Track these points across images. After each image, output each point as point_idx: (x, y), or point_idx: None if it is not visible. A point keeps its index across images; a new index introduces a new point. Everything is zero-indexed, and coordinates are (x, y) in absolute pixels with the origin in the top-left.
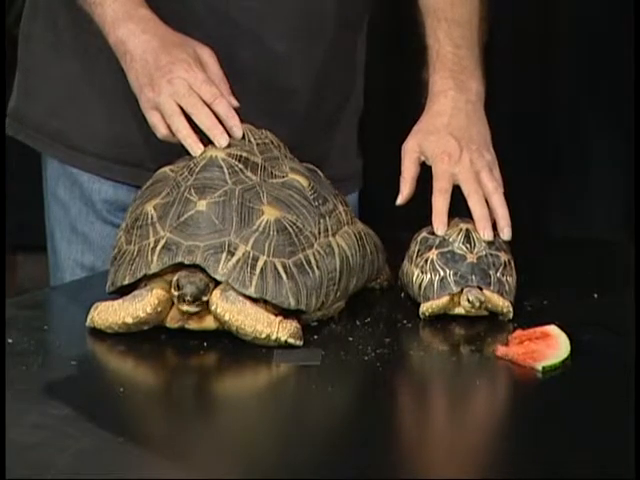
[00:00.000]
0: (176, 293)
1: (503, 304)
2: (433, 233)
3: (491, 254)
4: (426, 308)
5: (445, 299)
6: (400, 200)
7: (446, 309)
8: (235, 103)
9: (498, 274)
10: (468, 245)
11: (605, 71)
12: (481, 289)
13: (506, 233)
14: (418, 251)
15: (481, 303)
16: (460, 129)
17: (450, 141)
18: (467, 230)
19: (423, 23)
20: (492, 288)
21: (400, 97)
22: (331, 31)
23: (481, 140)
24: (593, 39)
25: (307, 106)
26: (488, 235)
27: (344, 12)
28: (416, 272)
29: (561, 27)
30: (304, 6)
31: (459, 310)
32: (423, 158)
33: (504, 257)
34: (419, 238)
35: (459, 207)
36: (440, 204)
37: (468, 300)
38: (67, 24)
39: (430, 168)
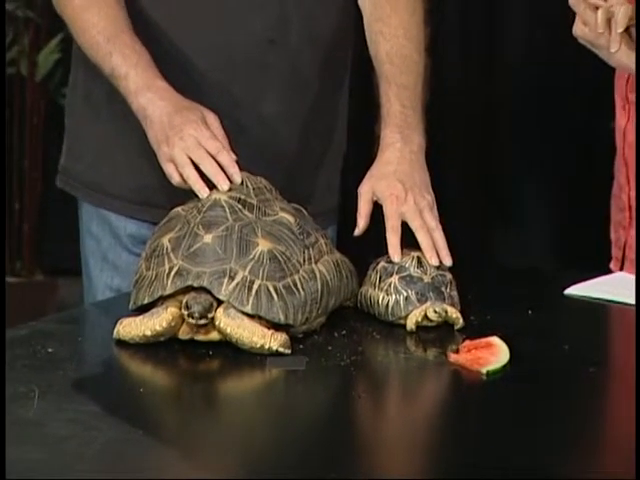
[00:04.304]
0: (186, 312)
1: (455, 314)
2: (390, 262)
3: (440, 274)
4: (412, 320)
5: (419, 310)
6: (357, 232)
7: (418, 319)
8: (234, 156)
9: (448, 290)
10: (422, 269)
11: (541, 132)
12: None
13: (448, 261)
14: (380, 277)
15: (446, 313)
16: (405, 175)
17: (397, 185)
18: (418, 257)
19: (378, 86)
20: (447, 302)
21: (372, 147)
22: (316, 94)
23: (422, 184)
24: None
25: (295, 155)
26: (435, 261)
27: (324, 77)
28: (381, 295)
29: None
30: (293, 76)
31: (426, 322)
32: (375, 198)
33: (449, 276)
34: (378, 267)
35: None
36: (394, 239)
37: (435, 311)
38: (101, 96)
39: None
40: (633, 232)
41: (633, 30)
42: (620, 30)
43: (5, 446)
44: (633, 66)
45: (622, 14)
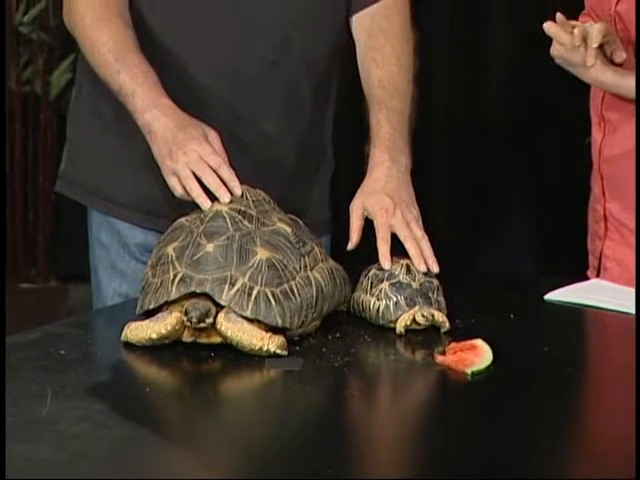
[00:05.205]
0: (185, 317)
1: (442, 318)
2: (380, 269)
3: (428, 281)
4: (401, 324)
5: (408, 315)
6: (350, 246)
7: (407, 323)
8: (232, 171)
9: (435, 295)
10: (410, 275)
11: (524, 142)
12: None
13: (435, 268)
14: (371, 284)
15: (433, 317)
16: (393, 191)
17: (386, 200)
18: (407, 265)
19: (369, 109)
20: (434, 306)
21: (362, 164)
22: (307, 113)
23: (408, 199)
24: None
25: (290, 170)
26: (423, 268)
27: (317, 97)
28: (372, 300)
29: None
30: (291, 96)
31: (414, 325)
32: (366, 214)
33: (436, 282)
34: (370, 274)
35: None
36: (384, 248)
37: (423, 315)
38: (108, 109)
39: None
40: (608, 242)
41: (607, 47)
42: (595, 45)
43: (5, 446)
44: (606, 81)
45: (597, 30)
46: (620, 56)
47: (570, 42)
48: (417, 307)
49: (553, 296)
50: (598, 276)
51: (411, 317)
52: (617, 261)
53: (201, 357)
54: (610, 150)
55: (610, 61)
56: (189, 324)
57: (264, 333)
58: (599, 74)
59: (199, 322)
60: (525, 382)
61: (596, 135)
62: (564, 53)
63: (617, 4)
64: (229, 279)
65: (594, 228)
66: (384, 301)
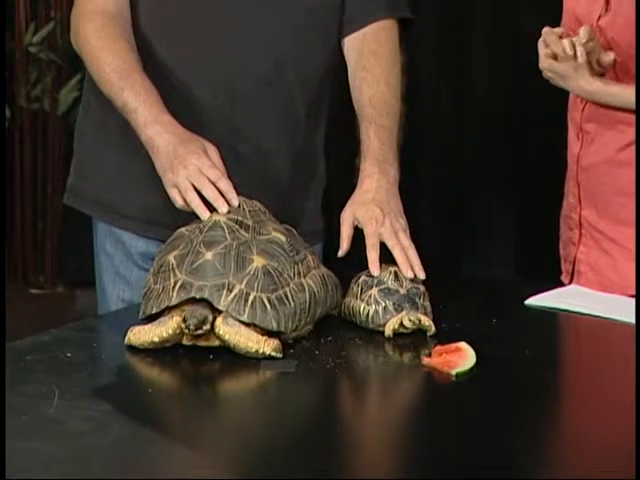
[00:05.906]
0: (183, 325)
1: (428, 322)
2: (370, 276)
3: (415, 287)
4: (389, 328)
5: (396, 319)
6: (341, 253)
7: (395, 327)
8: (230, 183)
9: (421, 300)
10: (398, 282)
11: (505, 156)
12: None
13: (422, 275)
14: (361, 290)
15: (420, 321)
16: (382, 202)
17: (376, 210)
18: (395, 271)
19: (360, 125)
20: (420, 311)
21: (352, 176)
22: (302, 128)
23: (396, 209)
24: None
25: (285, 182)
26: (410, 275)
27: (311, 113)
28: (362, 305)
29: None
30: (287, 112)
31: (402, 329)
32: (356, 223)
33: (422, 288)
34: (360, 281)
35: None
36: (373, 255)
37: (410, 319)
38: (113, 125)
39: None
40: (582, 247)
41: (592, 55)
42: (584, 41)
43: (5, 446)
44: (593, 90)
45: (583, 30)
46: (608, 55)
47: (562, 51)
48: (404, 312)
49: (533, 301)
50: (571, 280)
51: (399, 321)
52: (590, 265)
53: (200, 359)
54: (587, 159)
55: (597, 71)
56: (187, 331)
57: (260, 336)
58: (586, 84)
59: (196, 329)
60: (507, 383)
61: (573, 146)
62: (553, 64)
63: (599, 19)
64: (227, 285)
65: (568, 235)
66: (373, 306)
